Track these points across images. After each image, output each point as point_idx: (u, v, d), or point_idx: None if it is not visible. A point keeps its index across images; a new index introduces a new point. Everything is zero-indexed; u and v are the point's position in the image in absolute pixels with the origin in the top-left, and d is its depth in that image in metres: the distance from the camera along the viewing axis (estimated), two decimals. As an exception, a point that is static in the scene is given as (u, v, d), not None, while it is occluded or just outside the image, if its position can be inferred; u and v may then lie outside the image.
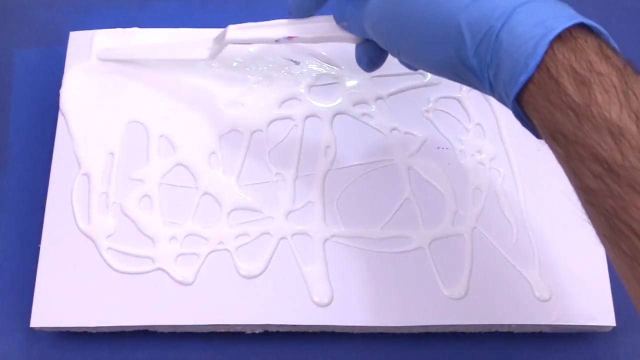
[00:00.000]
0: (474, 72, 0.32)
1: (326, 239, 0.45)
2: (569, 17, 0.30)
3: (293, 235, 0.45)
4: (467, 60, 0.32)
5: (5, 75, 0.53)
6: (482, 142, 0.48)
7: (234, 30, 0.44)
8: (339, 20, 0.42)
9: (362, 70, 0.45)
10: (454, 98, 0.49)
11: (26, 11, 0.56)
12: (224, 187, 0.47)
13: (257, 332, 0.45)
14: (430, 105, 0.49)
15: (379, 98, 0.49)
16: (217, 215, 0.46)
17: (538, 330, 0.44)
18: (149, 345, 0.45)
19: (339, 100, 0.49)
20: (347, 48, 0.50)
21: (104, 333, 0.45)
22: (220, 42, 0.46)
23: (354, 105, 0.49)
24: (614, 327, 0.43)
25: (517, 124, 0.48)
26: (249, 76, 0.50)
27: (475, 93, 0.49)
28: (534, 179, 0.47)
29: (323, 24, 0.43)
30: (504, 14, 0.30)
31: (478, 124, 0.48)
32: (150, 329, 0.45)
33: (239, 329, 0.44)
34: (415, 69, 0.42)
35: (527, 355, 0.45)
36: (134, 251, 0.45)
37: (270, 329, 0.44)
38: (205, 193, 0.46)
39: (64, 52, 0.51)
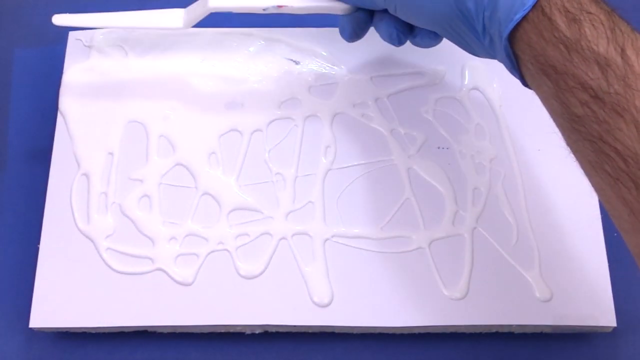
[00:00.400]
0: (469, 16, 0.35)
1: (326, 239, 0.45)
2: None
3: (293, 235, 0.45)
4: (464, 4, 0.35)
5: (5, 74, 0.53)
6: (482, 142, 0.48)
7: None
8: None
9: (362, 70, 0.45)
10: (454, 98, 0.49)
11: (25, 11, 0.55)
12: (224, 187, 0.46)
13: (256, 332, 0.45)
14: (430, 105, 0.49)
15: (379, 98, 0.49)
16: (217, 215, 0.46)
17: (539, 330, 0.44)
18: (149, 346, 0.45)
19: (339, 100, 0.49)
20: (348, 48, 0.50)
21: (104, 333, 0.45)
22: (200, 9, 0.44)
23: (354, 105, 0.49)
24: (614, 328, 0.43)
25: (517, 124, 0.48)
26: (248, 76, 0.50)
27: (475, 93, 0.49)
28: (534, 179, 0.46)
29: None
30: None
31: (478, 124, 0.48)
32: (149, 330, 0.45)
33: (238, 329, 0.44)
34: (399, 40, 0.43)
35: (528, 356, 0.45)
36: (134, 251, 0.45)
37: (270, 329, 0.44)
38: (205, 193, 0.46)
39: (63, 52, 0.51)
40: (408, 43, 0.44)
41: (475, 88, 0.49)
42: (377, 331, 0.44)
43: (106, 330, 0.45)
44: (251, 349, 0.45)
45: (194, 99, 0.49)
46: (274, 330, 0.44)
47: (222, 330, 0.44)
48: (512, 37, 0.33)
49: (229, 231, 0.45)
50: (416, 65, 0.50)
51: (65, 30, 0.52)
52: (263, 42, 0.51)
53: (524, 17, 0.32)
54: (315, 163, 0.47)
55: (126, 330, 0.44)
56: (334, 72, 0.50)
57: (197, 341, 0.45)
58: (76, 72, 0.50)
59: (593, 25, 0.31)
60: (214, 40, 0.51)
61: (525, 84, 0.35)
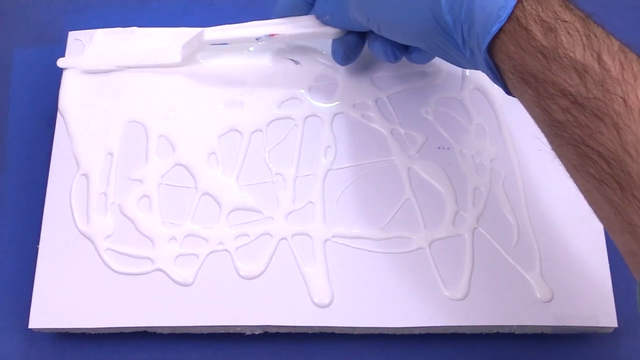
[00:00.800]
0: (448, 30, 0.36)
1: (326, 240, 0.45)
2: None
3: (293, 235, 0.45)
4: (442, 18, 0.36)
5: (4, 74, 0.53)
6: (482, 143, 0.48)
7: (212, 32, 0.46)
8: (320, 15, 0.45)
9: (362, 70, 0.45)
10: (454, 98, 0.49)
11: (25, 10, 0.55)
12: (224, 188, 0.46)
13: (256, 333, 0.44)
14: (430, 105, 0.49)
15: (379, 98, 0.49)
16: (217, 215, 0.46)
17: (539, 331, 0.44)
18: (148, 347, 0.45)
19: (339, 100, 0.49)
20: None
21: (103, 334, 0.45)
22: (196, 44, 0.46)
23: (354, 105, 0.49)
24: (615, 328, 0.43)
25: (518, 124, 0.48)
26: (248, 76, 0.50)
27: (476, 93, 0.49)
28: (535, 180, 0.46)
29: (304, 22, 0.46)
30: None
31: (479, 124, 0.48)
32: (149, 330, 0.44)
33: (238, 330, 0.44)
34: (395, 56, 0.44)
35: (529, 357, 0.45)
36: (133, 252, 0.45)
37: (270, 330, 0.44)
38: (205, 193, 0.46)
39: (62, 52, 0.51)
40: None
41: (476, 88, 0.49)
42: (378, 332, 0.44)
43: (106, 331, 0.44)
44: (251, 350, 0.45)
45: (194, 99, 0.49)
46: (274, 330, 0.44)
47: (222, 331, 0.44)
48: (491, 49, 0.34)
49: (229, 231, 0.45)
50: (416, 66, 0.50)
51: (65, 30, 0.51)
52: (263, 42, 0.51)
53: (501, 29, 0.33)
54: (315, 163, 0.47)
55: (126, 331, 0.44)
56: (334, 72, 0.50)
57: (197, 342, 0.45)
58: (76, 71, 0.50)
59: (569, 33, 0.32)
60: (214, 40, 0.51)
61: (508, 92, 0.36)
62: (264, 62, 0.50)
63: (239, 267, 0.44)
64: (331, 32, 0.45)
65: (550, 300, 0.43)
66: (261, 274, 0.44)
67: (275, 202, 0.46)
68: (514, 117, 0.48)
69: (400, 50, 0.44)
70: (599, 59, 0.31)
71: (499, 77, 0.35)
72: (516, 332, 0.44)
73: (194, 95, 0.49)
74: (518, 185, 0.46)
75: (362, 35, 0.46)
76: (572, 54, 0.31)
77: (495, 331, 0.44)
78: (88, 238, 0.45)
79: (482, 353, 0.45)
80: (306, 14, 0.46)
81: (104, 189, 0.46)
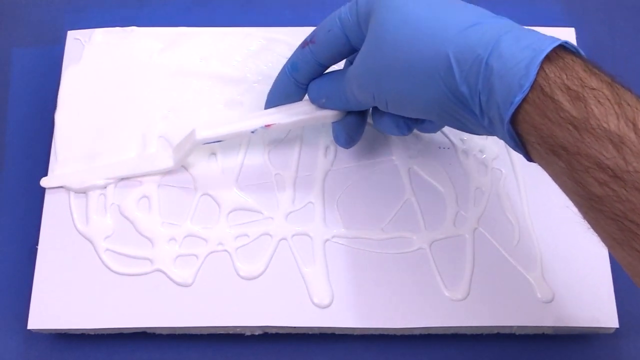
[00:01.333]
0: (464, 100, 0.34)
1: (326, 240, 0.45)
2: (552, 39, 0.32)
3: (293, 236, 0.45)
4: (457, 90, 0.34)
5: (3, 74, 0.53)
6: (484, 142, 0.47)
7: (203, 130, 0.43)
8: (315, 99, 0.43)
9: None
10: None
11: (23, 10, 0.55)
12: (223, 188, 0.46)
13: (256, 333, 0.44)
14: (431, 104, 0.49)
15: (379, 97, 0.49)
16: (217, 216, 0.45)
17: (540, 332, 0.44)
18: (148, 347, 0.45)
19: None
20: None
21: (102, 335, 0.45)
22: (188, 145, 0.44)
23: (355, 104, 0.49)
24: (617, 329, 0.43)
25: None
26: (248, 75, 0.50)
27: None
28: (536, 180, 0.46)
29: (300, 108, 0.44)
30: (489, 42, 0.33)
31: (479, 123, 0.48)
32: (148, 331, 0.44)
33: (238, 331, 0.44)
34: (407, 127, 0.41)
35: (529, 357, 0.45)
36: (133, 252, 0.45)
37: (269, 331, 0.44)
38: (204, 194, 0.46)
39: (61, 51, 0.50)
40: None
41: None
42: (378, 332, 0.44)
43: (105, 332, 0.44)
44: (251, 350, 0.45)
45: (193, 99, 0.49)
46: (273, 331, 0.44)
47: (222, 332, 0.44)
48: (513, 119, 0.32)
49: (229, 232, 0.45)
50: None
51: (64, 30, 0.51)
52: (263, 42, 0.51)
53: (524, 99, 0.31)
54: (315, 163, 0.47)
55: (125, 331, 0.44)
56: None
57: (196, 342, 0.45)
58: (74, 71, 0.50)
59: (599, 101, 0.30)
60: (214, 40, 0.51)
61: (529, 158, 0.34)
62: (263, 61, 0.50)
63: (239, 268, 0.44)
64: (330, 114, 0.43)
65: (551, 301, 0.43)
66: (261, 274, 0.44)
67: (275, 202, 0.46)
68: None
69: (411, 122, 0.41)
70: (635, 128, 0.29)
71: (520, 146, 0.33)
72: (517, 333, 0.44)
73: (194, 95, 0.49)
74: (519, 186, 0.46)
75: (363, 113, 0.44)
76: (605, 125, 0.29)
77: (496, 332, 0.44)
78: (87, 239, 0.45)
79: (482, 354, 0.45)
80: (300, 99, 0.44)
81: (103, 190, 0.46)
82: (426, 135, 0.48)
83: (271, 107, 0.44)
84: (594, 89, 0.30)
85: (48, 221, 0.45)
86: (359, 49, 0.39)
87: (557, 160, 0.31)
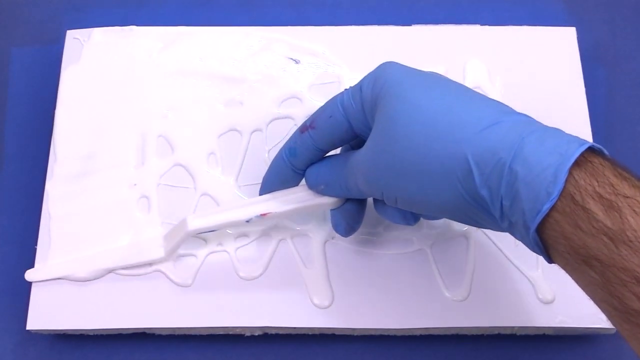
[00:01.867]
0: (483, 203, 0.32)
1: (326, 240, 0.45)
2: (579, 142, 0.30)
3: (293, 236, 0.45)
4: (476, 193, 0.32)
5: (2, 73, 0.53)
6: (484, 142, 0.47)
7: (195, 220, 0.41)
8: (313, 186, 0.41)
9: (363, 69, 0.44)
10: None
11: (22, 9, 0.55)
12: (223, 188, 0.46)
13: (256, 334, 0.44)
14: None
15: (380, 97, 0.49)
16: (216, 216, 0.45)
17: (541, 332, 0.44)
18: (147, 348, 0.45)
19: (340, 99, 0.49)
20: (348, 46, 0.50)
21: (101, 336, 0.45)
22: (179, 235, 0.42)
23: (355, 104, 0.48)
24: (617, 330, 0.43)
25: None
26: (248, 75, 0.50)
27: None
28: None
29: (296, 194, 0.41)
30: (512, 144, 0.31)
31: (480, 123, 0.48)
32: (148, 332, 0.44)
33: (238, 332, 0.44)
34: (414, 219, 0.39)
35: (530, 358, 0.45)
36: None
37: (269, 332, 0.44)
38: (204, 194, 0.46)
39: (60, 51, 0.50)
40: None
41: (477, 87, 0.49)
42: (378, 333, 0.44)
43: (104, 333, 0.44)
44: (251, 351, 0.45)
45: (193, 99, 0.49)
46: (273, 332, 0.44)
47: (222, 332, 0.44)
48: (540, 226, 0.30)
49: (228, 232, 0.45)
50: (418, 64, 0.49)
51: (63, 29, 0.51)
52: (263, 41, 0.50)
53: (553, 207, 0.30)
54: (315, 163, 0.47)
55: (124, 332, 0.44)
56: (334, 71, 0.50)
57: (195, 343, 0.45)
58: (74, 71, 0.49)
59: (634, 211, 0.28)
60: (213, 39, 0.51)
61: (550, 261, 0.32)
62: (263, 61, 0.50)
63: (239, 268, 0.44)
64: (328, 202, 0.41)
65: (551, 302, 0.43)
66: (261, 274, 0.44)
67: (275, 202, 0.46)
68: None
69: (417, 214, 0.39)
70: None
71: (544, 251, 0.31)
72: (518, 334, 0.44)
73: (193, 95, 0.49)
74: (519, 186, 0.46)
75: (362, 200, 0.42)
76: None
77: (496, 332, 0.44)
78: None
79: (483, 354, 0.45)
80: (296, 184, 0.42)
81: (102, 189, 0.46)
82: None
83: (266, 193, 0.42)
84: (627, 197, 0.28)
85: (47, 221, 0.45)
86: (362, 135, 0.38)
87: (589, 270, 0.30)
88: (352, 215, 0.41)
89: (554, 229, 0.30)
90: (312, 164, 0.41)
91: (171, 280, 0.44)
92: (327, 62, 0.50)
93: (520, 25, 0.51)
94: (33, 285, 0.43)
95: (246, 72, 0.50)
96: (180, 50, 0.50)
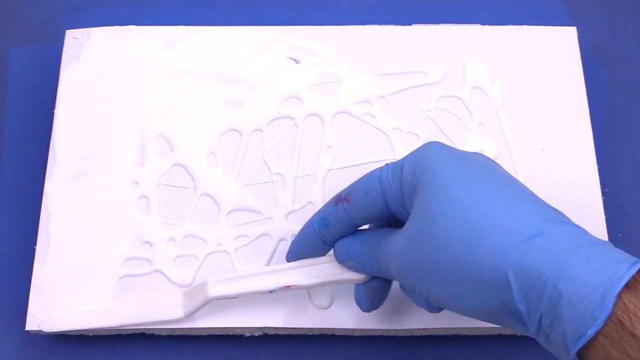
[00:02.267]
0: (519, 316, 0.31)
1: (326, 240, 0.45)
2: (628, 261, 0.29)
3: (293, 236, 0.45)
4: (513, 306, 0.31)
5: (1, 73, 0.53)
6: (484, 141, 0.47)
7: (217, 285, 0.41)
8: (343, 260, 0.39)
9: (363, 69, 0.44)
10: (456, 97, 0.49)
11: (22, 9, 0.55)
12: (223, 188, 0.46)
13: (256, 334, 0.44)
14: (432, 104, 0.48)
15: (380, 97, 0.49)
16: (216, 216, 0.45)
17: (542, 332, 0.44)
18: (147, 348, 0.45)
19: (340, 99, 0.49)
20: (349, 46, 0.50)
21: (101, 336, 0.45)
22: (199, 299, 0.41)
23: (355, 104, 0.48)
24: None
25: (519, 123, 0.48)
26: (248, 75, 0.49)
27: (477, 92, 0.49)
28: (537, 179, 0.46)
29: (322, 267, 0.40)
30: (556, 262, 0.29)
31: (481, 123, 0.48)
32: (147, 332, 0.44)
33: (237, 332, 0.44)
34: (439, 308, 0.37)
35: (531, 358, 0.45)
36: (132, 253, 0.44)
37: (269, 332, 0.44)
38: (204, 194, 0.46)
39: (60, 51, 0.50)
40: None
41: (477, 87, 0.49)
42: (378, 333, 0.44)
43: (103, 333, 0.44)
44: (250, 352, 0.45)
45: (193, 98, 0.49)
46: (273, 332, 0.44)
47: (221, 333, 0.44)
48: (582, 348, 0.29)
49: (228, 232, 0.45)
50: (418, 64, 0.49)
51: (62, 29, 0.51)
52: (263, 41, 0.50)
53: (599, 331, 0.28)
54: (315, 163, 0.47)
55: (124, 332, 0.44)
56: (334, 71, 0.49)
57: (195, 344, 0.45)
58: (73, 71, 0.49)
59: None
60: (213, 39, 0.50)
61: None
62: (263, 60, 0.50)
63: (238, 268, 0.44)
64: (355, 278, 0.39)
65: (552, 302, 0.43)
66: (261, 274, 0.44)
67: (274, 202, 0.46)
68: (516, 115, 0.48)
69: None
70: None
71: None
72: (518, 334, 0.44)
73: (193, 95, 0.49)
74: (520, 185, 0.46)
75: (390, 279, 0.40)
76: None
77: (496, 333, 0.44)
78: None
79: (483, 355, 0.45)
80: (324, 254, 0.40)
81: (102, 189, 0.46)
82: (427, 135, 0.47)
83: (293, 259, 0.41)
84: None
85: (46, 221, 0.45)
86: (398, 216, 0.37)
87: None
88: (377, 294, 0.40)
89: (599, 352, 0.28)
90: (343, 236, 0.39)
91: (171, 280, 0.44)
92: (327, 61, 0.50)
93: (521, 25, 0.51)
94: (32, 286, 0.43)
95: (246, 72, 0.50)
96: (180, 50, 0.50)
